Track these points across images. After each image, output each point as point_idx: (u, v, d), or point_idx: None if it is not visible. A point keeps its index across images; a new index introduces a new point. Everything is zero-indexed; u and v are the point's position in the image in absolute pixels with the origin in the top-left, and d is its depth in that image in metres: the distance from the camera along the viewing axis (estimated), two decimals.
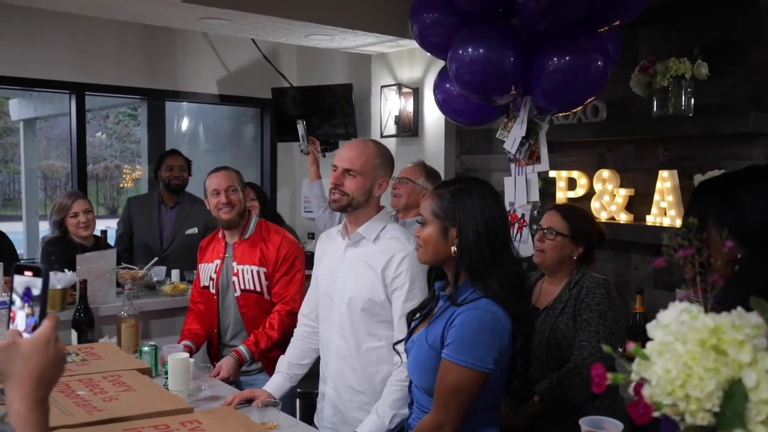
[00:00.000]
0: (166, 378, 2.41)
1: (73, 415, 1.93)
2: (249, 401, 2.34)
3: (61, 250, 3.71)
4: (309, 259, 3.46)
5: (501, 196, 2.00)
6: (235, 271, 2.97)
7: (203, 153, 6.89)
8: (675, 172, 3.32)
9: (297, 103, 5.33)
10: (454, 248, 1.86)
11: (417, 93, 4.64)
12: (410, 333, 2.01)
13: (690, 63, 3.16)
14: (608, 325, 2.35)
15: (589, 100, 2.80)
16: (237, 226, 2.99)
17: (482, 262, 1.83)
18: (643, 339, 0.89)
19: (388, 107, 4.77)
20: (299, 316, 2.59)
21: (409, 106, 4.66)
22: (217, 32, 4.54)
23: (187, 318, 3.13)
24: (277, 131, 5.58)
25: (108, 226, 4.52)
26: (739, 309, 0.83)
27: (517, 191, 2.98)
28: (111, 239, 4.27)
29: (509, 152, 2.95)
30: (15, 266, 1.18)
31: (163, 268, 3.95)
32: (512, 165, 3.01)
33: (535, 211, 3.03)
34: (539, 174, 3.02)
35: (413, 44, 3.92)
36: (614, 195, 3.57)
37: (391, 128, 4.76)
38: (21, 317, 1.14)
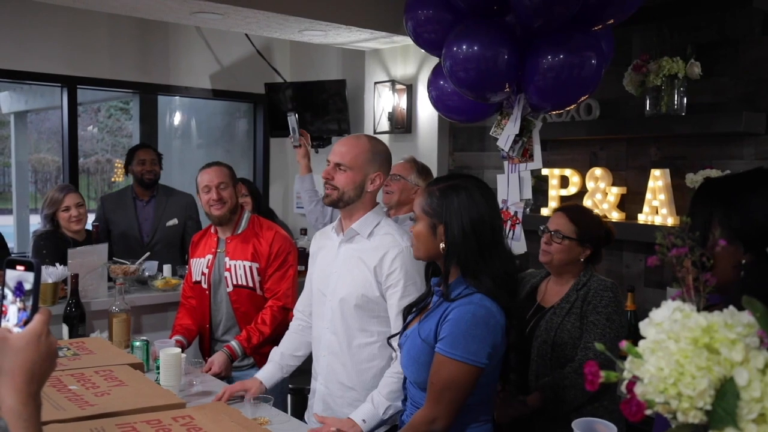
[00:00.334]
0: (158, 373, 2.41)
1: (65, 410, 1.92)
2: (241, 396, 2.34)
3: (53, 244, 3.69)
4: (301, 255, 3.46)
5: (494, 193, 2.00)
6: (228, 266, 2.97)
7: (196, 148, 6.84)
8: (667, 170, 3.34)
9: (290, 98, 5.31)
10: (442, 245, 1.87)
11: (410, 89, 4.63)
12: (404, 327, 2.02)
13: (683, 62, 3.18)
14: (614, 329, 2.36)
15: (583, 98, 2.81)
16: (229, 222, 2.99)
17: (471, 259, 1.84)
18: (635, 337, 0.89)
19: (381, 103, 4.77)
20: (295, 311, 2.59)
21: (402, 102, 4.66)
22: (211, 26, 4.52)
23: (179, 313, 3.12)
24: (270, 127, 5.56)
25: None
26: (731, 308, 0.84)
27: (510, 189, 2.98)
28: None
29: (502, 150, 2.96)
30: (7, 260, 1.17)
31: (155, 263, 3.94)
32: (505, 162, 3.01)
33: (527, 209, 3.03)
34: (532, 172, 3.03)
35: (407, 41, 3.91)
36: (606, 193, 3.58)
37: (384, 125, 4.75)
38: (13, 312, 1.13)
